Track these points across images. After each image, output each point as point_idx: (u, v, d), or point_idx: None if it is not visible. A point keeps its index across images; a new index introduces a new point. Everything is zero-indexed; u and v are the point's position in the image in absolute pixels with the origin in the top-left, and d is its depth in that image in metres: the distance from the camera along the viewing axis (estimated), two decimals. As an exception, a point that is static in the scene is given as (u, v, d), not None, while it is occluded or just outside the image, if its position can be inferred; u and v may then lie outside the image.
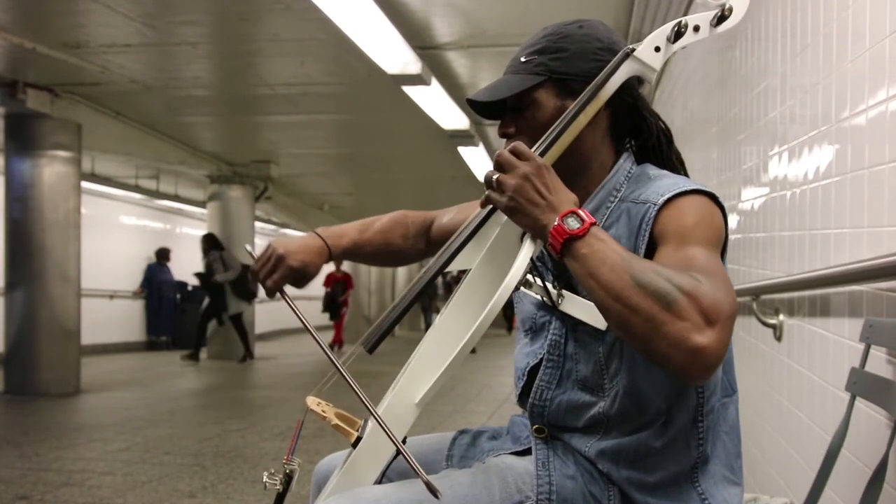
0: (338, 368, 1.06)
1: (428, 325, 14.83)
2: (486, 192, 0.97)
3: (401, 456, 1.06)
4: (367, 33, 4.65)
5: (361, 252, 1.33)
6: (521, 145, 0.96)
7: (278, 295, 1.25)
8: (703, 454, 1.05)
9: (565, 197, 0.93)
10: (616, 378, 1.04)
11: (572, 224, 0.89)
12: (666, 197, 0.99)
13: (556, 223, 0.90)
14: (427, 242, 1.40)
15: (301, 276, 1.24)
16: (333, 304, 11.92)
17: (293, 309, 1.16)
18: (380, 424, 0.99)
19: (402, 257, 1.40)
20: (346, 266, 12.32)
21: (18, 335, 6.39)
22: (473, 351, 9.70)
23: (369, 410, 1.01)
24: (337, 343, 11.68)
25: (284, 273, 1.22)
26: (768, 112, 2.20)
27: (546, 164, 0.95)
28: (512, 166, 0.93)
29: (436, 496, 0.92)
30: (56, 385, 6.35)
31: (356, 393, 1.02)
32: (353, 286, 12.63)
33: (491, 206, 1.03)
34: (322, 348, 1.09)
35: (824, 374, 1.68)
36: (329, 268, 11.59)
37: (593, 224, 0.90)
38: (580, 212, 0.90)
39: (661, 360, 0.83)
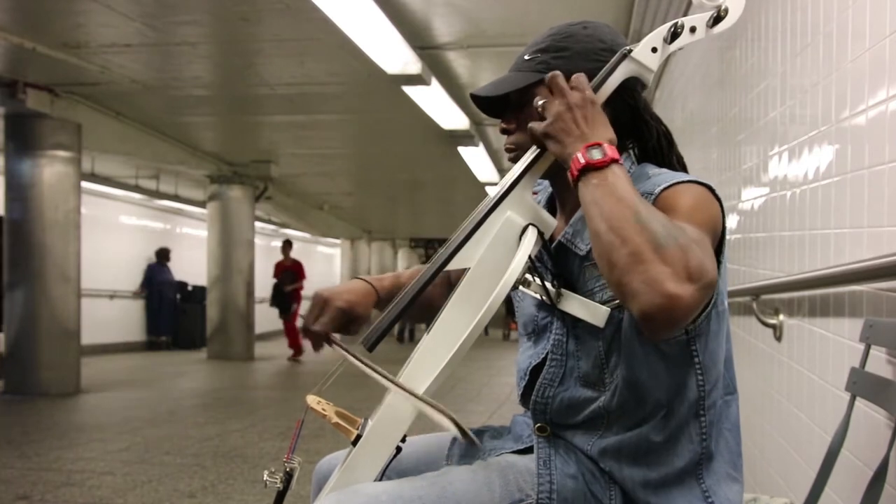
0: (351, 354, 1.06)
1: (401, 332, 13.22)
2: (530, 125, 1.01)
3: (400, 454, 1.06)
4: (367, 33, 4.65)
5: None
6: (582, 77, 0.99)
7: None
8: (708, 450, 1.05)
9: (601, 133, 0.96)
10: (616, 371, 1.05)
11: (594, 155, 0.93)
12: (663, 187, 1.01)
13: (580, 151, 0.93)
14: (450, 286, 1.37)
15: (350, 319, 1.19)
16: (281, 296, 10.13)
17: (346, 353, 1.09)
18: (398, 387, 1.00)
19: (433, 304, 1.27)
20: (297, 253, 10.83)
21: (18, 335, 6.39)
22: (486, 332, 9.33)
23: (388, 380, 1.01)
24: (294, 349, 9.85)
25: (332, 315, 1.17)
26: (768, 112, 2.20)
27: (594, 99, 0.98)
28: (562, 93, 0.97)
29: (472, 443, 0.96)
30: (56, 385, 6.35)
31: (373, 371, 1.02)
32: (306, 276, 10.50)
33: (486, 210, 1.05)
34: (342, 348, 1.08)
35: (824, 374, 1.69)
36: (277, 256, 10.95)
37: (615, 161, 0.93)
38: (606, 146, 0.93)
39: (628, 296, 0.84)
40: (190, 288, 12.19)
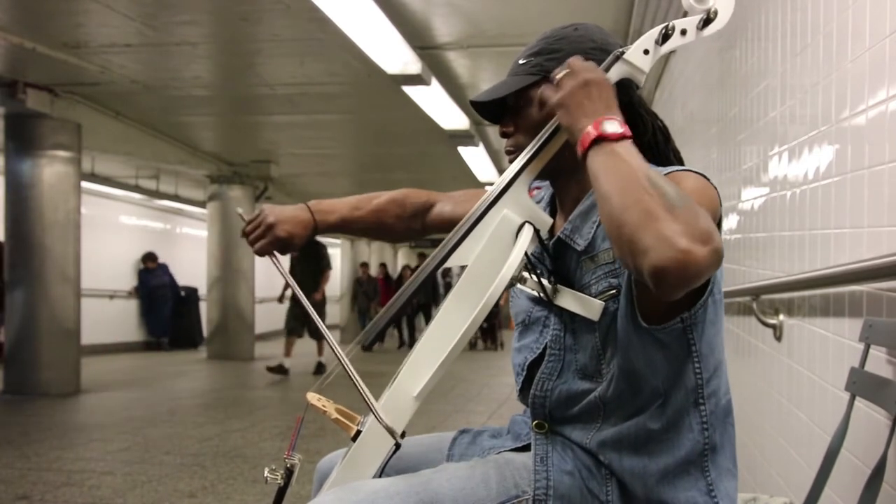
0: (340, 360, 1.08)
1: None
2: (542, 88, 1.07)
3: (400, 452, 1.07)
4: (367, 33, 4.65)
5: (351, 228, 1.41)
6: (594, 65, 1.02)
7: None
8: (712, 442, 1.05)
9: (614, 112, 0.97)
10: (612, 362, 1.05)
11: (607, 128, 0.94)
12: (663, 174, 1.01)
13: (593, 124, 0.94)
14: (423, 225, 1.47)
15: (286, 245, 1.32)
16: None
17: (280, 271, 1.29)
18: (376, 417, 1.02)
19: (394, 236, 1.50)
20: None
21: (18, 335, 6.39)
22: (501, 346, 9.01)
23: (368, 404, 1.03)
24: None
25: (271, 240, 1.31)
26: (768, 112, 2.21)
27: (610, 84, 1.00)
28: (578, 72, 0.99)
29: (395, 441, 1.01)
30: (56, 385, 6.35)
31: (356, 386, 1.04)
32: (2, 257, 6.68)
33: (489, 204, 1.07)
34: (328, 340, 1.11)
35: (824, 373, 1.69)
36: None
37: (628, 137, 0.94)
38: (619, 123, 0.95)
39: (639, 253, 0.83)
40: (183, 293, 11.91)
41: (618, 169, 0.89)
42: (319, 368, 7.80)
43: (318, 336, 7.58)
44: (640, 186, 0.86)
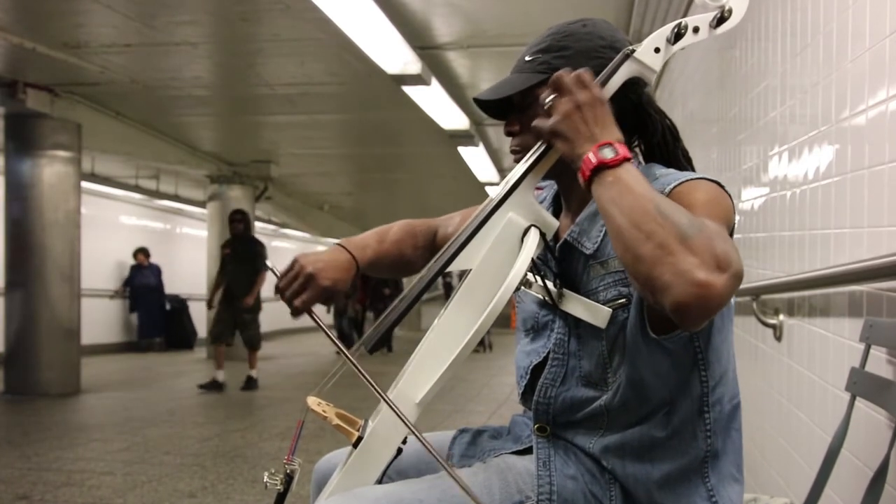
0: (349, 360, 1.06)
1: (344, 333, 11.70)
2: (535, 122, 1.00)
3: (401, 455, 1.06)
4: (367, 33, 4.65)
5: (380, 264, 1.32)
6: (587, 74, 0.97)
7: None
8: (713, 448, 1.05)
9: (610, 132, 0.95)
10: (619, 371, 1.04)
11: (606, 154, 0.91)
12: (674, 185, 1.00)
13: (591, 151, 0.92)
14: (433, 253, 1.40)
15: (331, 295, 1.20)
16: None
17: (321, 327, 1.12)
18: (393, 410, 1.00)
19: (413, 268, 1.40)
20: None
21: (18, 335, 6.39)
22: (490, 348, 8.66)
23: (381, 397, 1.02)
24: None
25: (315, 293, 1.18)
26: (768, 112, 2.20)
27: (603, 98, 0.97)
28: (569, 92, 0.96)
29: (464, 489, 0.94)
30: (56, 385, 6.35)
31: (368, 383, 1.02)
32: None
33: (495, 204, 1.05)
34: (338, 347, 1.08)
35: (824, 374, 1.69)
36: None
37: (627, 159, 0.91)
38: (617, 145, 0.92)
39: (659, 289, 0.82)
40: (168, 307, 11.53)
41: (624, 200, 0.87)
42: (249, 383, 6.84)
43: (252, 346, 6.94)
44: (650, 218, 0.84)
